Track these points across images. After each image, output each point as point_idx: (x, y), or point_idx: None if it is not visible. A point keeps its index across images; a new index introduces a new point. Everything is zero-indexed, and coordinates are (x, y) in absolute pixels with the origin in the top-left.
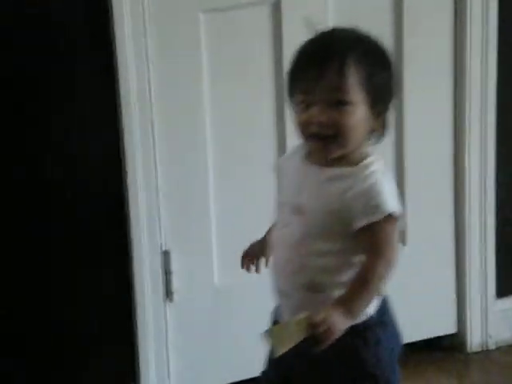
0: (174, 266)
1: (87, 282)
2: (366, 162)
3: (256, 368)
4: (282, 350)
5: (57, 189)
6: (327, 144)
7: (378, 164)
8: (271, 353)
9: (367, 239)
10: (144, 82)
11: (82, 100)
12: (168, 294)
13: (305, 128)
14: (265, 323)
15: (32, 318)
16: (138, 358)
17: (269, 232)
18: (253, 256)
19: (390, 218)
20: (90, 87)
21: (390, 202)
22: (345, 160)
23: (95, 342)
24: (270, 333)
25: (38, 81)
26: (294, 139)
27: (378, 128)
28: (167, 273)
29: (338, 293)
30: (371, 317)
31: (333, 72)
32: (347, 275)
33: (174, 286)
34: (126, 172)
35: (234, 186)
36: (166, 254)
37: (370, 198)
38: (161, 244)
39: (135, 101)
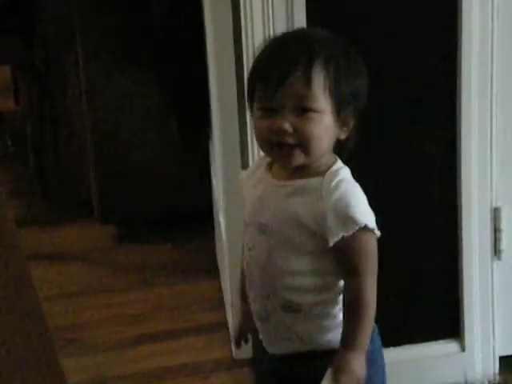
0: (504, 223)
1: (415, 235)
2: (331, 170)
3: None
4: None
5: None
6: (291, 152)
7: (344, 172)
8: None
9: (344, 256)
10: (486, 44)
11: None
12: (496, 252)
13: (266, 137)
14: None
15: None
16: (463, 315)
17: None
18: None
19: (365, 230)
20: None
21: (363, 212)
22: (308, 170)
23: (419, 295)
24: None
25: None
26: None
27: (343, 137)
28: (496, 230)
29: (316, 310)
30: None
31: (298, 77)
32: (325, 295)
33: (503, 245)
34: (460, 123)
35: None
36: (496, 211)
37: (341, 210)
38: (491, 200)
39: (475, 55)
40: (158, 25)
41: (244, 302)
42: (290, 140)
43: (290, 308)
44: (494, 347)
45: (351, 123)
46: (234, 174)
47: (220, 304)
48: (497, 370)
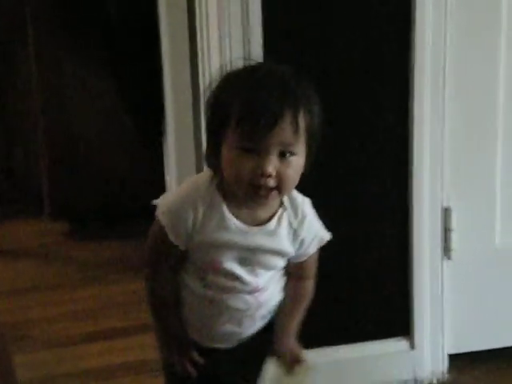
0: (455, 223)
1: (367, 234)
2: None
3: None
4: None
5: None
6: (269, 194)
7: (296, 194)
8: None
9: (305, 264)
10: (440, 34)
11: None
12: (446, 251)
13: (247, 177)
14: None
15: None
16: (413, 313)
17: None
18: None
19: None
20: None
21: (324, 228)
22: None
23: (370, 293)
24: None
25: None
26: None
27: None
28: (447, 230)
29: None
30: None
31: (287, 125)
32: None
33: (453, 244)
34: (412, 124)
35: None
36: (446, 211)
37: (315, 234)
38: (442, 200)
39: (429, 45)
40: (113, 16)
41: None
42: (272, 183)
43: (270, 312)
44: (443, 345)
45: (312, 156)
46: (187, 171)
47: None
48: (446, 368)
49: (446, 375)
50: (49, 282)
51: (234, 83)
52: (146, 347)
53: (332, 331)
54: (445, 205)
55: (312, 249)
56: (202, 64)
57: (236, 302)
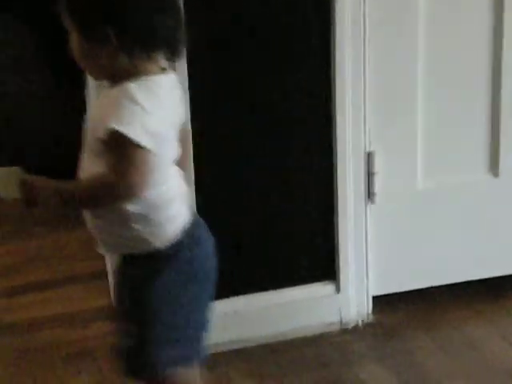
0: (378, 167)
1: (291, 180)
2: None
3: (457, 274)
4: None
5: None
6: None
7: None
8: None
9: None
10: None
11: None
12: (370, 195)
13: None
14: (467, 228)
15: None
16: (339, 257)
17: None
18: None
19: (122, 137)
20: None
21: (124, 119)
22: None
23: (296, 239)
24: None
25: None
26: None
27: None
28: (370, 174)
29: None
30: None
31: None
32: None
33: (377, 188)
34: (334, 70)
35: (443, 86)
36: (369, 155)
37: (106, 113)
38: (365, 145)
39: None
40: None
41: None
42: None
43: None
44: (367, 288)
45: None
46: None
47: (99, 253)
48: (370, 310)
49: (371, 316)
50: None
51: None
52: (76, 299)
53: (259, 277)
54: (368, 149)
55: (99, 133)
56: None
57: None
